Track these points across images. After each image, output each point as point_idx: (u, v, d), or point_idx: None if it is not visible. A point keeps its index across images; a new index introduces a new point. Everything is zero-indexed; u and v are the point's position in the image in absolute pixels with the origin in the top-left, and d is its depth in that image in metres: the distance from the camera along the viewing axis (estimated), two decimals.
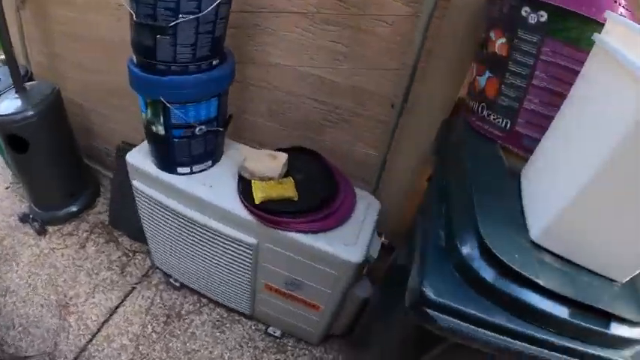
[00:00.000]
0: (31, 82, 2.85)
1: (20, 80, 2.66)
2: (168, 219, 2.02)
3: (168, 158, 1.85)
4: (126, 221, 2.84)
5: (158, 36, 1.44)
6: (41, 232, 3.04)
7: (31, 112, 2.54)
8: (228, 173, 1.92)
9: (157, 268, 2.70)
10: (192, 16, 1.40)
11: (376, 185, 2.12)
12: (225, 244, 1.80)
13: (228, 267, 1.93)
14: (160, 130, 1.73)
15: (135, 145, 2.56)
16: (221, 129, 1.84)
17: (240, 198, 1.76)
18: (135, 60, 1.61)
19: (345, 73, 1.88)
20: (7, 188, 3.58)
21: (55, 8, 2.85)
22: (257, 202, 1.68)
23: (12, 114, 2.51)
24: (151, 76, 1.56)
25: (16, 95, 2.66)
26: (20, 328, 2.51)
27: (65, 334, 2.46)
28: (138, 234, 2.74)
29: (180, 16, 1.32)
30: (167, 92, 1.58)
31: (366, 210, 1.89)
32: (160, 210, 2.01)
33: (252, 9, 1.88)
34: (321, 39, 1.85)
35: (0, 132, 2.60)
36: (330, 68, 1.89)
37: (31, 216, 3.12)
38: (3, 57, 5.08)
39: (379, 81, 1.82)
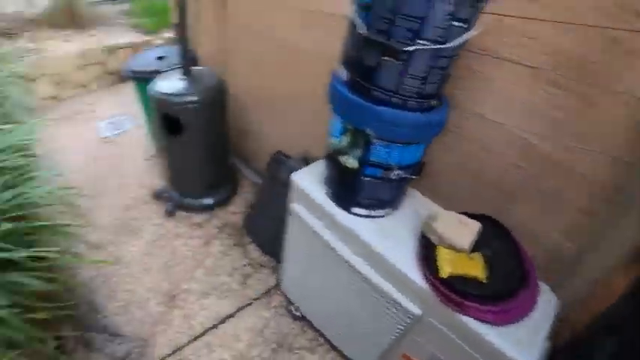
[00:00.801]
0: (198, 67, 2.88)
1: (189, 63, 2.69)
2: (320, 253, 1.87)
3: (348, 194, 1.69)
4: (260, 231, 2.77)
5: (386, 58, 1.28)
6: (171, 214, 3.07)
7: (193, 98, 2.55)
8: (406, 226, 1.72)
9: (281, 290, 2.58)
10: (434, 46, 1.22)
11: (559, 281, 1.83)
12: (380, 302, 1.62)
13: (371, 324, 1.75)
14: (352, 163, 1.58)
15: (289, 157, 2.48)
16: (415, 177, 1.66)
17: (422, 264, 1.56)
18: (344, 77, 1.47)
19: (558, 145, 1.62)
20: (147, 160, 3.71)
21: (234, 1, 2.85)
22: (444, 275, 1.48)
23: (174, 94, 2.54)
24: (362, 101, 1.40)
25: (182, 77, 2.69)
26: (122, 303, 2.52)
27: (165, 327, 2.42)
28: (270, 248, 2.65)
29: (421, 42, 1.14)
30: (378, 125, 1.41)
31: (544, 307, 1.62)
32: (314, 241, 1.87)
33: (471, 48, 1.69)
34: (542, 101, 1.61)
35: (157, 109, 2.64)
36: (542, 135, 1.65)
37: (165, 194, 3.17)
38: (168, 36, 5.41)
39: (598, 165, 1.54)
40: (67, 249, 2.09)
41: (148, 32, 5.52)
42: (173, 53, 3.26)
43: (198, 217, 3.07)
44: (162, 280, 2.65)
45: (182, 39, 2.52)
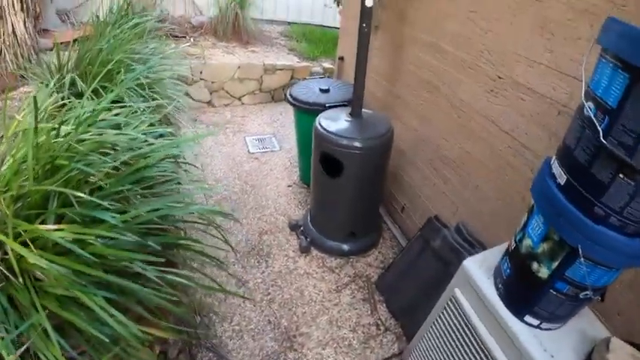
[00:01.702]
0: (368, 111, 2.90)
1: (360, 106, 2.72)
2: (468, 348, 1.76)
3: (524, 300, 1.57)
4: (396, 292, 2.70)
5: (622, 176, 1.15)
6: (305, 250, 3.09)
7: (360, 144, 2.55)
8: (573, 347, 1.56)
9: None
10: None
11: None
12: None
13: None
14: (543, 273, 1.45)
15: (446, 226, 2.40)
16: (600, 300, 1.50)
17: None
18: (559, 177, 1.35)
19: None
20: (289, 186, 3.81)
21: (411, 46, 2.86)
22: None
23: (340, 135, 2.55)
24: (581, 215, 1.27)
25: (349, 118, 2.71)
26: (236, 327, 2.55)
27: None
28: (402, 314, 2.56)
29: None
30: (591, 245, 1.28)
31: None
32: (466, 334, 1.76)
33: None
34: None
35: (319, 146, 2.68)
36: None
37: (302, 228, 3.21)
38: (325, 65, 5.60)
39: None
40: (199, 267, 2.15)
41: (304, 57, 5.75)
42: (336, 87, 3.34)
43: (332, 261, 3.07)
44: (282, 317, 2.66)
45: (358, 79, 2.56)
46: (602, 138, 1.10)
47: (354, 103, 2.66)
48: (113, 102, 2.33)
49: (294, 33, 6.56)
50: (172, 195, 2.10)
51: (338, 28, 7.24)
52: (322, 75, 5.41)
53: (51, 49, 4.76)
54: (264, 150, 4.37)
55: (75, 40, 3.90)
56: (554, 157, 1.37)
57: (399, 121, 3.11)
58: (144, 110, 2.45)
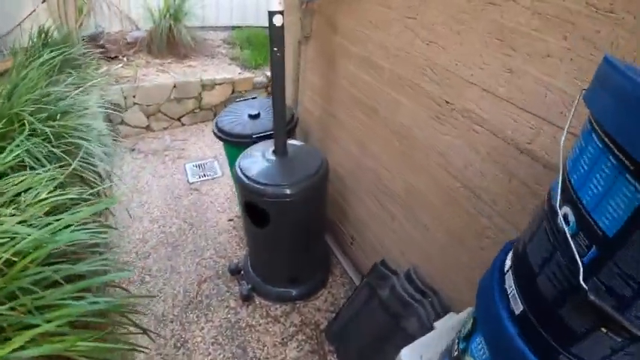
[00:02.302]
0: (295, 143, 2.60)
1: (284, 143, 2.41)
2: None
3: None
4: (345, 342, 2.42)
5: (605, 330, 0.81)
6: (246, 299, 2.82)
7: (287, 191, 2.24)
8: None
9: None
10: None
11: None
12: None
13: None
14: None
15: (394, 272, 2.14)
16: None
17: None
18: (513, 301, 1.00)
19: None
20: (230, 220, 3.52)
21: (344, 59, 2.55)
22: None
23: (263, 183, 2.24)
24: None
25: (273, 157, 2.41)
26: None
27: None
28: None
29: None
30: None
31: None
32: None
33: None
34: None
35: (242, 194, 2.39)
36: None
37: (242, 272, 2.93)
38: (269, 74, 5.25)
39: None
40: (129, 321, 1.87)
41: (247, 67, 5.41)
42: (268, 110, 3.04)
43: (277, 309, 2.79)
44: None
45: (277, 111, 2.24)
46: (581, 280, 0.70)
47: (276, 140, 2.35)
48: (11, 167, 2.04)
49: (237, 39, 6.20)
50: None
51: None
52: (259, 90, 5.12)
53: None
54: (204, 178, 4.06)
55: (5, 72, 3.56)
56: (510, 256, 1.03)
57: (337, 144, 2.82)
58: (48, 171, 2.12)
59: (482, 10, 1.50)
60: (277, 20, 1.98)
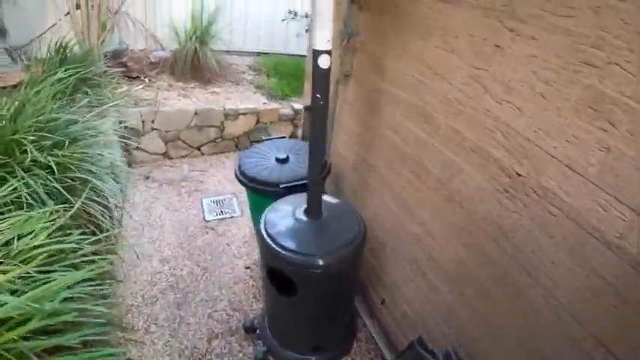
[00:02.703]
0: (329, 200, 2.33)
1: (319, 204, 2.13)
2: None
3: None
4: None
5: None
6: None
7: (319, 262, 1.96)
8: None
9: None
10: None
11: None
12: None
13: None
14: None
15: (433, 354, 1.85)
16: None
17: None
18: None
19: None
20: (247, 268, 3.26)
21: (390, 106, 2.32)
22: None
23: (291, 249, 1.96)
24: None
25: (304, 217, 2.14)
26: None
27: None
28: None
29: None
30: None
31: None
32: None
33: None
34: None
35: (265, 258, 2.12)
36: None
37: (257, 331, 2.65)
38: (297, 106, 5.03)
39: None
40: None
41: (273, 96, 5.20)
42: (298, 153, 2.80)
43: None
44: None
45: (314, 170, 1.98)
46: None
47: (310, 200, 2.08)
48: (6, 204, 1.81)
49: (264, 65, 6.02)
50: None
51: None
52: (284, 123, 4.90)
53: None
54: (222, 216, 3.80)
55: (15, 86, 3.38)
56: None
57: (374, 197, 2.57)
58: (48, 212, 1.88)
59: (576, 72, 1.25)
60: (323, 62, 1.72)
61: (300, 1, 6.09)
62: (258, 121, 4.87)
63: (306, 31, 5.82)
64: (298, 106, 5.07)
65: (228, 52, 5.94)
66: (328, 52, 1.70)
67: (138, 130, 4.35)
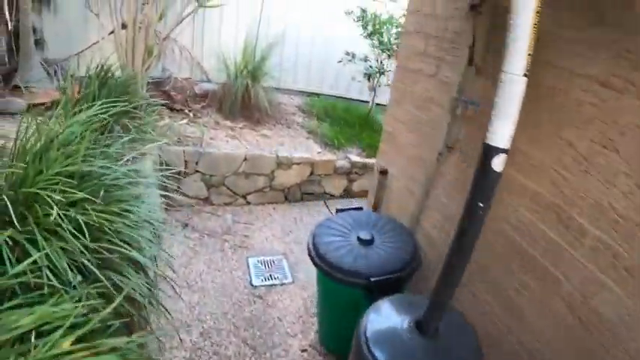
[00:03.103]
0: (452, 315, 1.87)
1: (437, 326, 1.69)
2: None
3: None
4: None
5: None
6: None
7: None
8: None
9: None
10: None
11: None
12: None
13: None
14: None
15: None
16: None
17: None
18: None
19: None
20: (304, 351, 2.84)
21: (512, 197, 1.92)
22: None
23: None
24: None
25: (415, 336, 1.69)
26: None
27: None
28: None
29: None
30: None
31: None
32: None
33: None
34: None
35: None
36: None
37: None
38: (355, 158, 4.62)
39: None
40: None
41: (327, 144, 4.81)
42: (382, 232, 2.38)
43: None
44: None
45: (443, 293, 1.55)
46: None
47: (427, 319, 1.63)
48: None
49: (314, 107, 5.67)
50: None
51: (363, 101, 6.51)
52: (339, 177, 4.50)
53: (26, 111, 3.84)
54: (271, 282, 3.37)
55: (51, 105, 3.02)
56: None
57: (469, 291, 2.16)
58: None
59: None
60: (498, 163, 1.31)
61: (357, 42, 5.73)
62: (312, 173, 4.48)
63: (365, 75, 5.49)
64: (355, 158, 4.69)
65: (276, 89, 5.58)
66: (506, 152, 1.28)
67: (179, 170, 3.96)
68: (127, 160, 2.43)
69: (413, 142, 2.86)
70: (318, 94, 6.24)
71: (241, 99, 4.91)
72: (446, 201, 2.46)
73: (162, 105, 4.41)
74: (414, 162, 2.83)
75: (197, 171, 4.05)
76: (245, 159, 4.13)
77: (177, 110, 4.75)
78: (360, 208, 2.89)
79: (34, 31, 4.63)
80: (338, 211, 2.70)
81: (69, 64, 4.86)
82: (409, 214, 2.77)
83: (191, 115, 4.72)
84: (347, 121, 5.45)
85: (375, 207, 3.29)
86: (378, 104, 5.81)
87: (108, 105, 2.57)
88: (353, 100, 6.39)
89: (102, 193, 1.82)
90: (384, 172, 3.24)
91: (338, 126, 5.29)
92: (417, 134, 2.82)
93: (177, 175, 3.96)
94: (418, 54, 2.77)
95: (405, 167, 2.96)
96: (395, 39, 5.16)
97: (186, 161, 3.99)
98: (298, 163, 4.36)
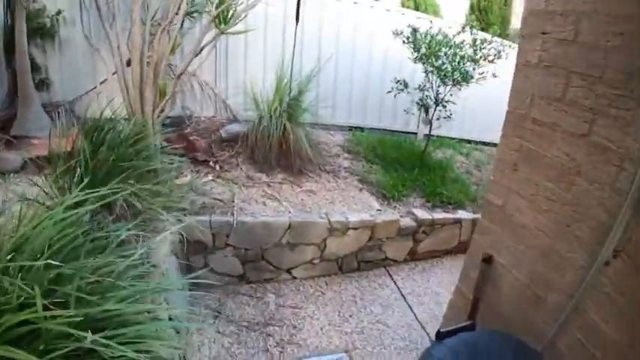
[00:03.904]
0: None
1: None
2: None
3: None
4: None
5: None
6: None
7: None
8: None
9: None
10: None
11: None
12: None
13: None
14: None
15: None
16: None
17: None
18: None
19: None
20: None
21: None
22: None
23: None
24: None
25: None
26: None
27: None
28: None
29: None
30: None
31: None
32: None
33: None
34: None
35: None
36: None
37: None
38: (424, 215, 3.74)
39: None
40: None
41: (383, 195, 3.96)
42: None
43: None
44: None
45: None
46: None
47: None
48: None
49: (359, 145, 4.82)
50: None
51: (410, 133, 5.71)
52: (404, 238, 3.64)
53: (21, 168, 3.13)
54: None
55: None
56: None
57: None
58: None
59: None
60: None
61: (407, 67, 4.90)
62: (371, 237, 3.61)
63: (419, 106, 4.64)
64: (422, 214, 3.81)
65: (312, 125, 4.71)
66: None
67: (206, 244, 3.14)
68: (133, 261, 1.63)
69: (542, 227, 2.00)
70: (361, 128, 5.41)
71: (277, 144, 4.07)
72: (600, 322, 1.60)
73: (182, 156, 3.61)
74: (542, 256, 2.00)
75: (228, 244, 3.21)
76: (289, 227, 3.29)
77: (201, 162, 3.93)
78: (473, 326, 2.01)
79: (38, 69, 4.03)
80: (440, 335, 1.83)
81: (77, 105, 4.18)
82: (534, 326, 1.98)
83: (217, 167, 3.90)
84: (401, 162, 4.60)
85: (474, 308, 2.41)
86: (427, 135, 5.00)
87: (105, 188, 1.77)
88: (399, 132, 5.57)
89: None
90: (488, 260, 2.36)
91: (392, 169, 4.45)
92: (549, 218, 1.96)
93: (203, 250, 3.16)
94: (552, 100, 1.91)
95: (525, 259, 2.11)
96: (452, 61, 4.31)
97: (214, 234, 3.15)
98: (355, 228, 3.50)
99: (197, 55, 3.53)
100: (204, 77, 4.71)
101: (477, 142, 6.11)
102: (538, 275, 2.03)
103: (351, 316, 3.23)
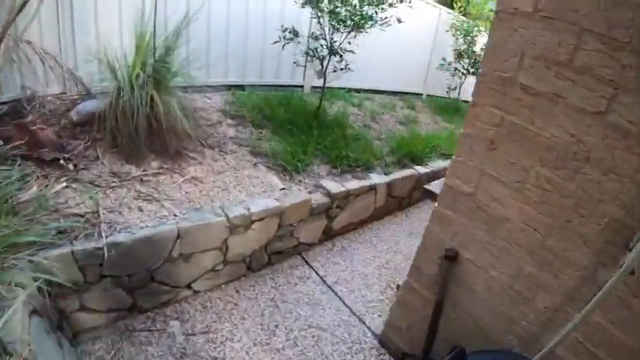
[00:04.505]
0: None
1: None
2: None
3: None
4: None
5: None
6: None
7: None
8: None
9: None
10: None
11: None
12: None
13: None
14: None
15: None
16: None
17: None
18: None
19: None
20: None
21: None
22: None
23: None
24: None
25: None
26: None
27: None
28: None
29: None
30: None
31: None
32: None
33: None
34: None
35: None
36: None
37: None
38: (337, 189, 3.10)
39: None
40: None
41: (285, 169, 3.37)
42: None
43: None
44: None
45: None
46: None
47: None
48: None
49: (243, 107, 4.10)
50: None
51: (296, 86, 5.01)
52: (317, 217, 3.16)
53: None
54: None
55: None
56: None
57: None
58: None
59: None
60: None
61: (291, 13, 4.19)
62: (280, 225, 3.00)
63: (312, 58, 3.99)
64: (335, 187, 3.26)
65: (183, 88, 3.86)
66: None
67: (77, 282, 2.32)
68: None
69: (531, 221, 1.58)
70: (242, 86, 4.65)
71: (145, 121, 3.20)
72: (614, 331, 1.41)
73: (25, 157, 2.68)
74: (530, 253, 1.61)
75: (105, 275, 2.41)
76: (178, 237, 2.55)
77: (49, 162, 2.93)
78: (461, 349, 1.59)
79: None
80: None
81: None
82: (516, 327, 1.75)
83: (71, 166, 2.95)
84: (294, 123, 3.98)
85: (437, 311, 1.99)
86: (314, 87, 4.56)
87: None
88: (284, 86, 4.92)
89: None
90: (451, 258, 1.89)
91: (286, 132, 3.82)
92: (542, 210, 1.54)
93: (74, 291, 2.34)
94: (552, 64, 1.40)
95: (505, 257, 1.71)
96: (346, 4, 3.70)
97: (81, 267, 2.31)
98: (261, 219, 2.86)
99: (21, 10, 2.53)
100: (45, 44, 3.55)
101: (365, 91, 5.69)
102: (524, 274, 1.64)
103: (277, 326, 2.67)
